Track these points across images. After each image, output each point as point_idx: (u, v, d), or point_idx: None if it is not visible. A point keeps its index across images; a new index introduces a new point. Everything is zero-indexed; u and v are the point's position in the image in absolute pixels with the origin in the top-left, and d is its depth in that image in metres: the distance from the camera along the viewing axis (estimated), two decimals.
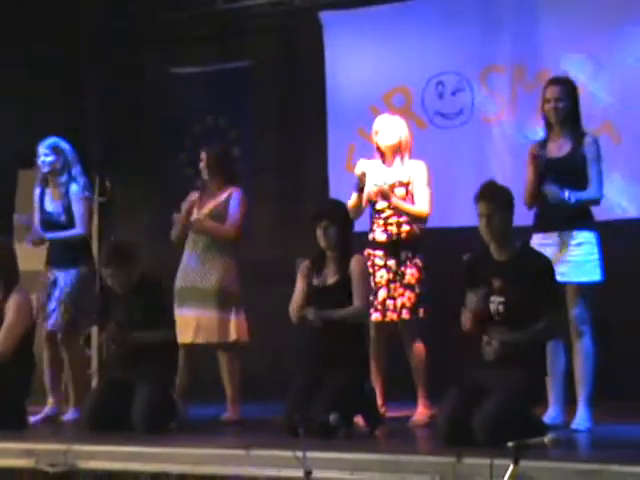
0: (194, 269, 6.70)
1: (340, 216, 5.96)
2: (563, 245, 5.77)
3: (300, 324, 5.91)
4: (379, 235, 6.41)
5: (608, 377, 5.97)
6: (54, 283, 6.95)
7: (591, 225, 5.85)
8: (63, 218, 6.97)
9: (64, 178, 6.98)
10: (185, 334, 6.61)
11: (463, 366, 5.46)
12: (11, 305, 6.54)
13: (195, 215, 6.71)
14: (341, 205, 6.10)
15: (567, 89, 5.91)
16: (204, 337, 6.64)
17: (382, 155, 6.51)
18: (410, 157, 6.46)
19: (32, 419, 6.74)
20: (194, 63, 8.84)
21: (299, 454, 4.20)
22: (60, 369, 7.08)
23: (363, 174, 6.36)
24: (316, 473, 4.27)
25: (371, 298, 6.18)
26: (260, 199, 8.11)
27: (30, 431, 6.44)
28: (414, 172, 6.42)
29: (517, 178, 6.26)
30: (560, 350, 5.80)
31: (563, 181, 5.75)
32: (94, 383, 8.41)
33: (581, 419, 5.76)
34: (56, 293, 6.92)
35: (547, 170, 5.78)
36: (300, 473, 4.22)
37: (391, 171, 6.44)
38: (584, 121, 5.97)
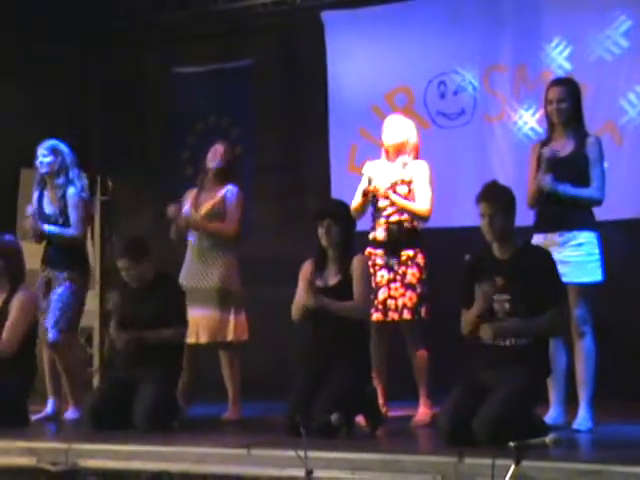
0: (196, 268, 6.70)
1: (343, 215, 5.96)
2: (563, 245, 5.77)
3: (302, 323, 5.91)
4: (380, 234, 6.41)
5: (609, 377, 5.96)
6: (47, 284, 6.94)
7: (592, 225, 5.84)
8: (60, 220, 6.95)
9: (61, 180, 6.95)
10: (190, 334, 6.59)
11: (465, 366, 5.45)
12: (16, 303, 6.59)
13: (193, 213, 6.71)
14: (344, 204, 6.09)
15: (570, 90, 5.90)
16: (206, 337, 6.65)
17: (387, 153, 6.52)
18: (415, 159, 6.46)
19: (33, 418, 6.74)
20: (196, 62, 8.85)
21: (300, 453, 4.20)
22: None
23: (374, 189, 6.33)
24: (317, 473, 4.28)
25: (371, 297, 6.18)
26: (262, 198, 8.12)
27: (31, 430, 6.44)
28: (416, 171, 6.42)
29: (519, 178, 6.27)
30: (561, 350, 5.80)
31: (565, 181, 5.75)
32: (96, 381, 8.42)
33: (582, 419, 5.75)
34: (52, 297, 6.89)
35: (550, 170, 5.78)
36: (301, 472, 4.23)
37: (394, 170, 6.45)
38: (587, 121, 5.97)
